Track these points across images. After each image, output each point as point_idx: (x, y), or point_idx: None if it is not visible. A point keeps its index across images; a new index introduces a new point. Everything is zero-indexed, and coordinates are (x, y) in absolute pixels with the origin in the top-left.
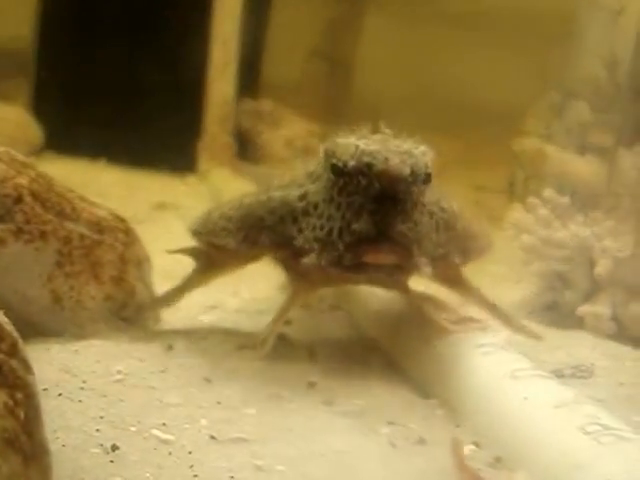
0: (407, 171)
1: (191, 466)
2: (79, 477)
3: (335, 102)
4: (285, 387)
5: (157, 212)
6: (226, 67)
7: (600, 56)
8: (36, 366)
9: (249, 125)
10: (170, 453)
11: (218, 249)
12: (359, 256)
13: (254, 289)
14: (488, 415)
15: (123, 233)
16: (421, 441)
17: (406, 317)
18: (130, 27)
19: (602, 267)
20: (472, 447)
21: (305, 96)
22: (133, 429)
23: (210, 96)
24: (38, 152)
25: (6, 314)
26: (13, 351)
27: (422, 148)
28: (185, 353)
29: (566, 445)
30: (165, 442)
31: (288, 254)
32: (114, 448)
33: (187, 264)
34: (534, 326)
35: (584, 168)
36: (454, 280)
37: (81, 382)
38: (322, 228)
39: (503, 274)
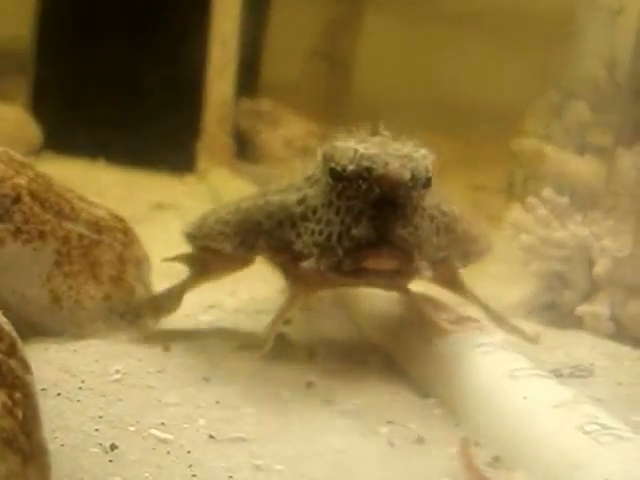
0: (407, 175)
1: (190, 465)
2: (78, 477)
3: (334, 102)
4: (284, 387)
5: (156, 212)
6: (225, 67)
7: (599, 56)
8: (34, 366)
9: (248, 125)
10: (169, 452)
11: (213, 253)
12: (359, 261)
13: (252, 289)
14: (487, 414)
15: (122, 233)
16: (420, 440)
17: (405, 317)
18: (129, 27)
19: (601, 267)
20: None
21: (304, 96)
22: (132, 429)
23: (209, 96)
24: (37, 152)
25: (4, 314)
26: (12, 351)
27: (422, 151)
28: (184, 353)
29: (565, 445)
30: (164, 442)
31: (286, 258)
32: (113, 448)
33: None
34: (533, 326)
35: (583, 168)
36: (451, 282)
37: (80, 382)
38: (321, 233)
39: (502, 274)
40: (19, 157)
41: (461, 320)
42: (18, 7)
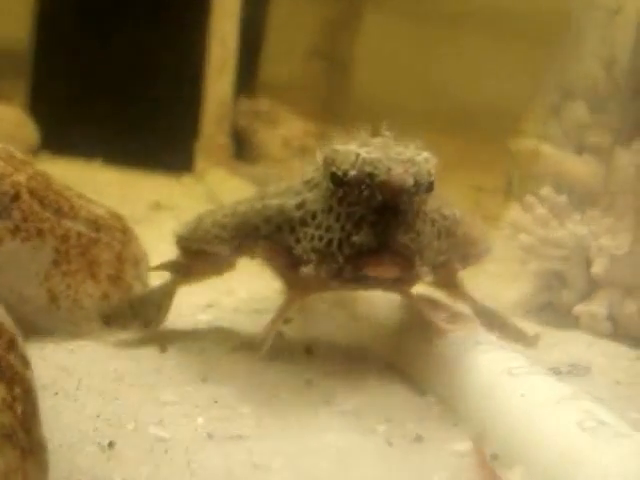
0: (410, 182)
1: (188, 464)
2: (76, 475)
3: (333, 101)
4: (282, 385)
5: (153, 212)
6: (224, 67)
7: (598, 56)
8: (32, 365)
9: (246, 124)
10: (167, 451)
11: (200, 258)
12: (360, 268)
13: (250, 288)
14: (485, 412)
15: (120, 232)
16: (418, 439)
17: (404, 317)
18: (128, 27)
19: (599, 265)
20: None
21: (303, 95)
22: (130, 427)
23: (208, 96)
24: (34, 152)
25: None
26: (11, 346)
27: (425, 155)
28: (181, 352)
29: (563, 441)
30: (162, 440)
31: (285, 263)
32: (111, 446)
33: None
34: (532, 325)
35: (581, 167)
36: (450, 285)
37: (77, 381)
38: (321, 239)
39: (501, 273)
40: (19, 154)
41: (459, 319)
42: (16, 8)
